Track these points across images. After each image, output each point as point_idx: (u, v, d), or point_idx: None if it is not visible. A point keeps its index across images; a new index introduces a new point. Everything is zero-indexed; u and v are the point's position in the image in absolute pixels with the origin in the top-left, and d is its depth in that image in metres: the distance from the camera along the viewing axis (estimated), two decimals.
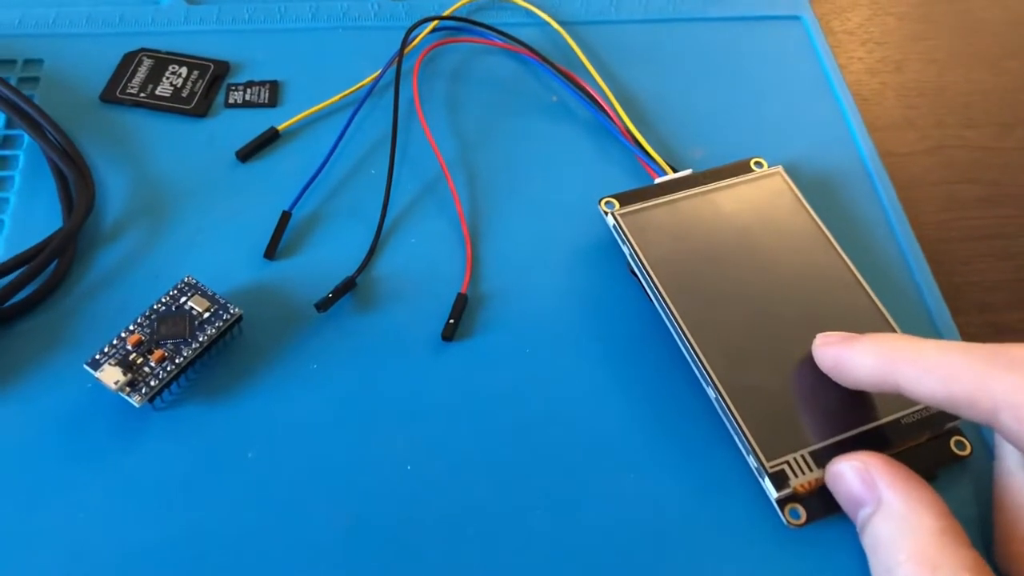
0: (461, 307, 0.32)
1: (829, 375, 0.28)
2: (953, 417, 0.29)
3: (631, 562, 0.27)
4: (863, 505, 0.26)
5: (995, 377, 0.23)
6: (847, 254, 0.32)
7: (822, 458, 0.28)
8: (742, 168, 0.35)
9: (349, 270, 0.33)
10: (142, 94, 0.37)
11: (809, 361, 0.29)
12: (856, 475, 0.26)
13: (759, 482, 0.28)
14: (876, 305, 0.31)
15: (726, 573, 0.27)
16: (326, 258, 0.33)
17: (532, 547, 0.27)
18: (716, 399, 0.29)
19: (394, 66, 0.37)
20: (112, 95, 0.37)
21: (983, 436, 0.30)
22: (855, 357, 0.27)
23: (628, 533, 0.28)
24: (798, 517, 0.27)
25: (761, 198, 0.34)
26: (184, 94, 0.38)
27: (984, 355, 0.24)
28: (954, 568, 0.23)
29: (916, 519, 0.24)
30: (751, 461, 0.28)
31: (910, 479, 0.25)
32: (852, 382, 0.27)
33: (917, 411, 0.29)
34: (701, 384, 0.30)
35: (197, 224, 0.34)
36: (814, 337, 0.30)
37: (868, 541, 0.25)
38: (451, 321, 0.32)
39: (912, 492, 0.25)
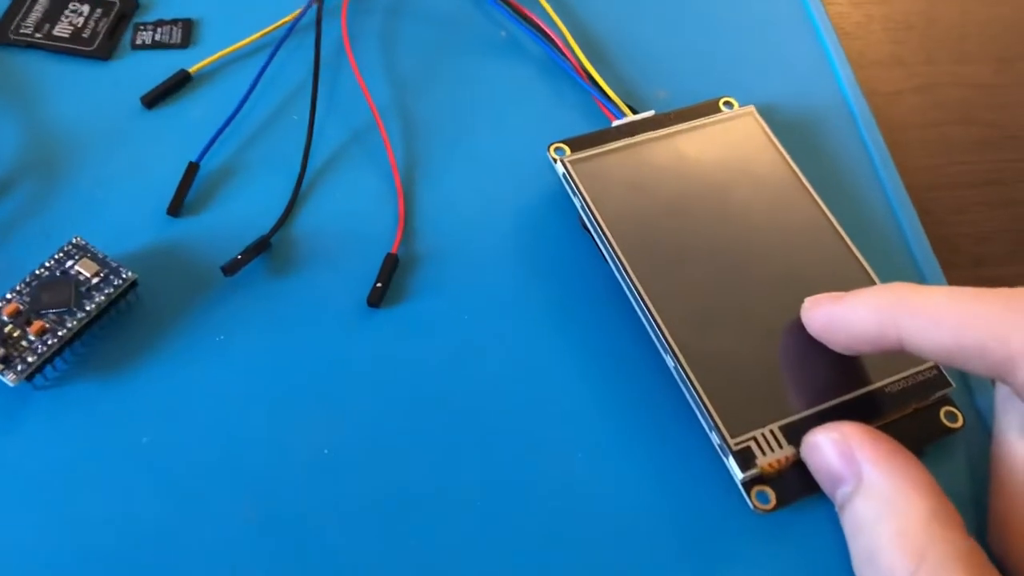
0: (390, 269, 0.28)
1: (820, 338, 0.25)
2: (944, 384, 0.26)
3: (580, 554, 0.24)
4: (842, 482, 0.23)
5: (1012, 324, 0.20)
6: (827, 204, 0.29)
7: (794, 434, 0.24)
8: (710, 108, 0.31)
9: (265, 228, 0.29)
10: (37, 34, 0.33)
11: (782, 325, 0.26)
12: (834, 448, 0.23)
13: (723, 462, 0.25)
14: (859, 260, 0.28)
15: (688, 563, 0.24)
16: (238, 216, 0.30)
17: (468, 541, 0.24)
18: (675, 368, 0.26)
19: (316, 2, 0.33)
20: (3, 35, 0.33)
21: (977, 406, 0.27)
22: (852, 312, 0.24)
23: (577, 521, 0.25)
24: (766, 501, 0.24)
25: (730, 142, 0.30)
26: (85, 34, 0.33)
27: (1000, 300, 0.21)
28: (944, 556, 0.20)
29: (902, 499, 0.21)
30: (714, 438, 0.25)
31: (896, 453, 0.22)
32: (847, 342, 0.24)
33: (902, 378, 0.26)
34: (659, 351, 0.26)
35: (95, 178, 0.30)
36: (787, 298, 0.26)
37: (848, 523, 0.22)
38: (378, 285, 0.28)
39: (898, 468, 0.22)
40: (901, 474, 0.22)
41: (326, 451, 0.25)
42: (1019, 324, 0.20)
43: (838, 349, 0.25)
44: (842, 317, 0.24)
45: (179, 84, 0.32)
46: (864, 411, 0.25)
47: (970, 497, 0.25)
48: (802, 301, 0.26)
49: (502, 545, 0.24)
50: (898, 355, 0.23)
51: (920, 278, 0.29)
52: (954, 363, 0.22)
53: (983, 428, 0.26)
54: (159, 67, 0.33)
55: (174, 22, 0.34)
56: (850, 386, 0.25)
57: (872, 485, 0.22)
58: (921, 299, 0.22)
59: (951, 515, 0.21)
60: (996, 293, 0.21)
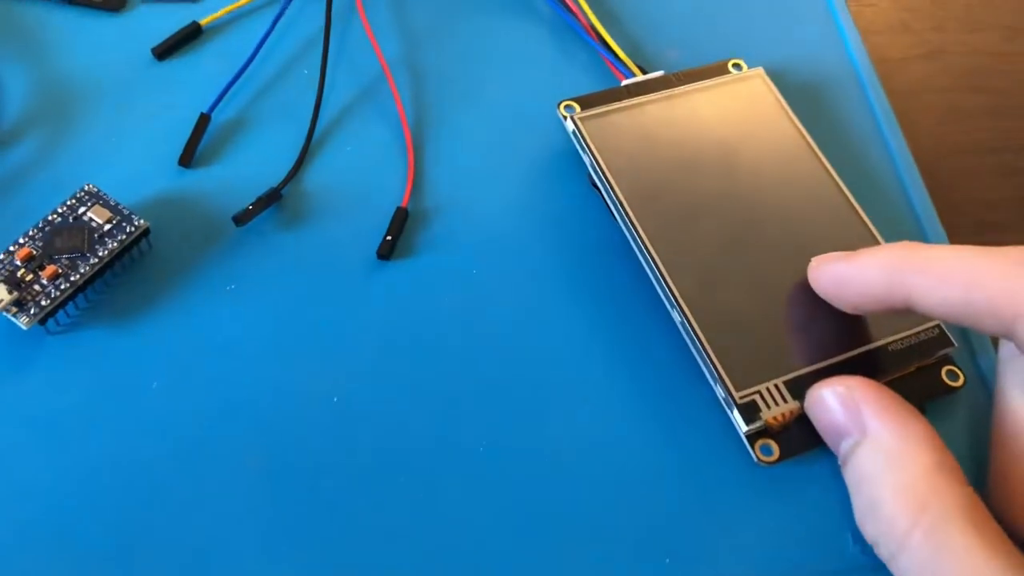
0: (401, 222, 0.29)
1: (827, 297, 0.25)
2: (946, 343, 0.26)
3: (583, 502, 0.24)
4: (846, 435, 0.23)
5: (1021, 281, 0.20)
6: (834, 167, 0.29)
7: (797, 389, 0.25)
8: (718, 70, 0.31)
9: (275, 180, 0.29)
10: None
11: (788, 283, 0.26)
12: (839, 401, 0.23)
13: (727, 415, 0.25)
14: (864, 222, 0.28)
15: (691, 515, 0.24)
16: (249, 167, 0.30)
17: (474, 490, 0.24)
18: (682, 323, 0.26)
19: None
20: None
21: (978, 365, 0.27)
22: (860, 271, 0.24)
23: (583, 471, 0.25)
24: (770, 453, 0.24)
25: (739, 103, 0.30)
26: None
27: (1009, 258, 0.21)
28: (946, 507, 0.20)
29: (906, 452, 0.22)
30: (719, 391, 0.25)
31: (900, 407, 0.22)
32: (855, 300, 0.24)
33: (905, 337, 0.26)
34: (666, 307, 0.27)
35: (106, 128, 0.30)
36: (792, 257, 0.27)
37: (851, 475, 0.23)
38: (388, 237, 0.28)
39: (902, 421, 0.22)
40: (905, 427, 0.22)
41: (335, 399, 0.26)
42: None
43: (845, 308, 0.25)
44: (850, 276, 0.24)
45: (190, 36, 0.32)
46: (867, 368, 0.25)
47: (969, 455, 0.25)
48: (807, 260, 0.26)
49: (507, 495, 0.24)
50: (904, 314, 0.23)
51: (924, 241, 0.30)
52: (962, 321, 0.22)
53: (984, 387, 0.27)
54: (169, 20, 0.33)
55: None
56: (854, 343, 0.26)
57: (876, 438, 0.22)
58: (929, 257, 0.22)
59: (953, 468, 0.21)
60: (1005, 251, 0.21)
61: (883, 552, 0.21)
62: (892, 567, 0.21)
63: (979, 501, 0.21)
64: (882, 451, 0.22)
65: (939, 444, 0.22)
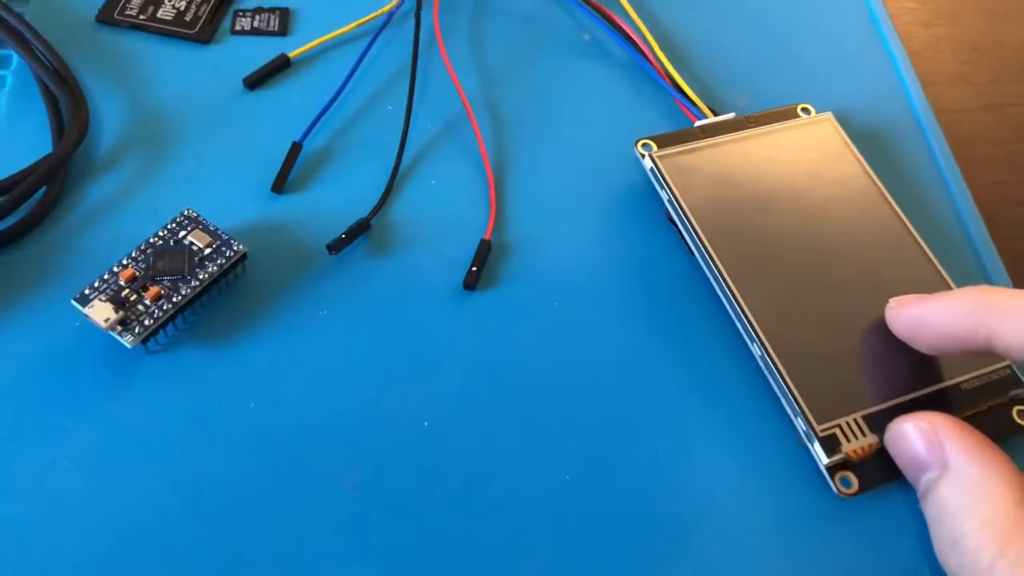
0: (485, 254, 0.30)
1: (904, 338, 0.26)
2: (1017, 384, 0.27)
3: (664, 532, 0.25)
4: (927, 469, 0.23)
5: None
6: (901, 209, 0.30)
7: (875, 423, 0.25)
8: (788, 114, 0.33)
9: (362, 210, 0.30)
10: (142, 16, 0.35)
11: (865, 319, 0.27)
12: (921, 436, 0.24)
13: (807, 447, 0.26)
14: (933, 264, 0.29)
15: (770, 545, 0.25)
16: (338, 196, 0.31)
17: (557, 514, 0.25)
18: (762, 357, 0.27)
19: None
20: (109, 16, 0.35)
21: None
22: (939, 313, 0.25)
23: (662, 501, 0.25)
24: (849, 486, 0.25)
25: (809, 145, 0.32)
26: (187, 18, 0.35)
27: None
28: None
29: (988, 486, 0.22)
30: (799, 424, 0.26)
31: (981, 442, 0.23)
32: (932, 341, 0.25)
33: (978, 376, 0.27)
34: (745, 341, 0.27)
35: (199, 155, 0.32)
36: (866, 294, 0.28)
37: (932, 509, 0.23)
38: (474, 268, 0.29)
39: (984, 456, 0.23)
40: (988, 463, 0.22)
41: (426, 423, 0.26)
42: None
43: (922, 348, 0.26)
44: (928, 318, 0.25)
45: (279, 68, 0.34)
46: (940, 406, 0.26)
47: None
48: (881, 299, 0.27)
49: (590, 523, 0.25)
50: (979, 355, 0.24)
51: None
52: None
53: None
54: (257, 53, 0.34)
55: (272, 10, 0.36)
56: (928, 381, 0.26)
57: (958, 471, 0.23)
58: (1011, 301, 0.23)
59: None
60: None
61: None
62: None
63: None
64: (965, 485, 0.22)
65: (1021, 479, 0.22)
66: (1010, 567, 0.21)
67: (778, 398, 0.27)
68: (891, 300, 0.26)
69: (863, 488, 0.25)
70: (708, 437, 0.27)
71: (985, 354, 0.24)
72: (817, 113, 0.33)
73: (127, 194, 0.30)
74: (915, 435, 0.24)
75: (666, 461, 0.26)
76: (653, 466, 0.26)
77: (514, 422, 0.27)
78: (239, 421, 0.26)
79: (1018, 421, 0.27)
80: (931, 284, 0.28)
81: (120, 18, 0.35)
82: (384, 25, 0.34)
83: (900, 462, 0.25)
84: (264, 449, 0.26)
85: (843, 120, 0.33)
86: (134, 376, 0.27)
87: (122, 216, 0.30)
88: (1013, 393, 0.27)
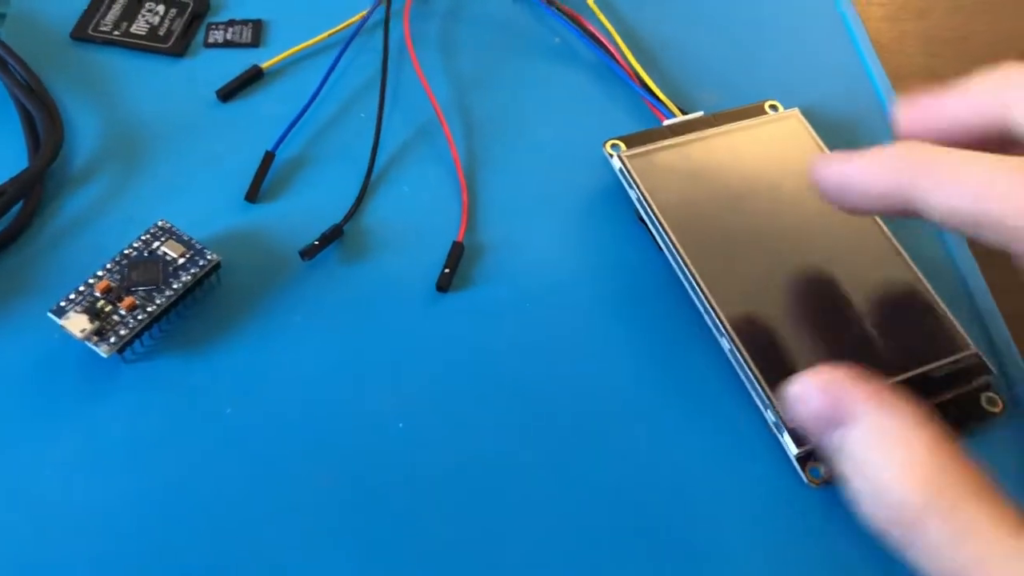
0: (457, 256, 0.30)
1: (830, 198, 0.24)
2: (984, 371, 0.27)
3: (640, 525, 0.25)
4: (836, 424, 0.21)
5: None
6: None
7: None
8: (756, 111, 0.33)
9: (336, 216, 0.31)
10: (116, 32, 0.35)
11: (832, 311, 0.27)
12: (821, 392, 0.22)
13: (777, 438, 0.26)
14: (902, 256, 0.29)
15: (742, 535, 0.25)
16: (311, 203, 0.31)
17: (533, 511, 0.25)
18: (731, 350, 0.27)
19: (383, 4, 0.35)
20: (83, 32, 0.35)
21: (1016, 392, 0.28)
22: (865, 170, 0.23)
23: (637, 495, 0.26)
24: (819, 475, 0.26)
25: (777, 141, 0.32)
26: (161, 32, 0.35)
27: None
28: (958, 486, 0.20)
29: (903, 432, 0.20)
30: (769, 416, 0.26)
31: (883, 389, 0.21)
32: (858, 201, 0.23)
33: (946, 363, 0.27)
34: (714, 335, 0.28)
35: (174, 167, 0.32)
36: (835, 287, 0.28)
37: (849, 463, 0.21)
38: (447, 270, 0.29)
39: (891, 402, 0.21)
40: (895, 408, 0.21)
41: (401, 425, 0.27)
42: None
43: (847, 210, 0.24)
44: (856, 175, 0.23)
45: (252, 79, 0.34)
46: (908, 394, 0.26)
47: (1011, 479, 0.26)
48: (850, 291, 0.27)
49: (566, 517, 0.25)
50: (906, 216, 0.22)
51: (959, 278, 0.31)
52: (964, 229, 0.21)
53: (1020, 414, 0.28)
54: (230, 65, 0.35)
55: (244, 22, 0.36)
56: (895, 370, 0.27)
57: (868, 420, 0.21)
58: (940, 160, 0.21)
59: (951, 442, 0.20)
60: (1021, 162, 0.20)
61: (898, 538, 0.20)
62: (908, 553, 0.20)
63: (985, 474, 0.20)
64: (879, 432, 0.21)
65: (932, 420, 0.21)
66: (942, 519, 0.19)
67: (748, 391, 0.27)
68: (816, 157, 0.25)
69: (833, 477, 0.26)
70: (681, 431, 0.27)
71: (908, 215, 0.22)
72: (784, 109, 0.33)
73: (103, 207, 0.31)
74: (814, 392, 0.22)
75: (640, 456, 0.27)
76: (627, 461, 0.26)
77: (488, 421, 0.27)
78: (216, 427, 0.26)
79: (987, 408, 0.27)
80: (900, 277, 0.29)
81: (94, 34, 0.35)
82: (355, 34, 0.35)
83: (807, 425, 0.22)
84: (241, 454, 0.26)
85: (812, 116, 0.34)
86: (112, 385, 0.27)
87: (98, 228, 0.30)
88: (981, 380, 0.27)
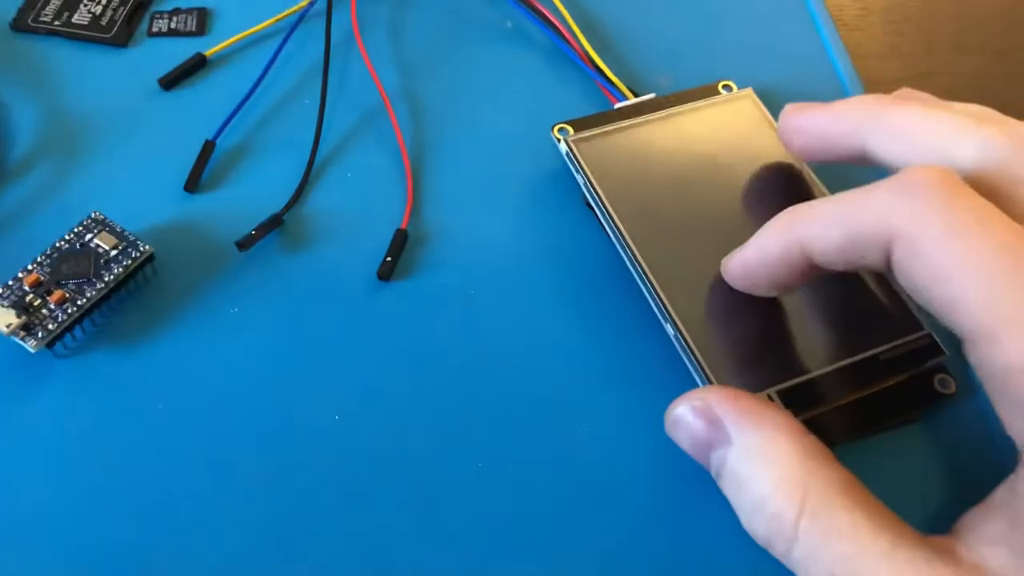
0: (400, 243, 0.29)
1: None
2: (937, 352, 0.26)
3: (585, 520, 0.25)
4: (713, 447, 0.23)
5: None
6: (822, 181, 0.30)
7: (790, 398, 0.25)
8: (709, 91, 0.32)
9: (278, 206, 0.30)
10: (56, 22, 0.34)
11: (776, 293, 0.27)
12: (698, 416, 0.23)
13: None
14: None
15: (691, 533, 0.25)
16: (253, 193, 0.30)
17: (473, 506, 0.25)
18: (675, 336, 0.26)
19: None
20: (24, 23, 0.34)
21: (969, 373, 0.27)
22: (760, 248, 0.25)
23: (582, 488, 0.25)
24: None
25: (730, 122, 0.31)
26: (103, 22, 0.34)
27: (884, 187, 0.22)
28: (824, 490, 0.21)
29: (772, 447, 0.22)
30: None
31: (756, 404, 0.22)
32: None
33: (897, 346, 0.26)
34: (660, 321, 0.27)
35: (114, 158, 0.31)
36: None
37: (729, 484, 0.22)
38: (388, 259, 0.29)
39: (763, 420, 0.22)
40: (766, 426, 0.22)
41: (336, 417, 0.26)
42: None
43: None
44: (752, 260, 0.25)
45: (195, 67, 0.33)
46: (859, 377, 0.26)
47: (962, 460, 0.26)
48: None
49: (505, 510, 0.25)
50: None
51: None
52: (850, 261, 0.23)
53: (975, 395, 0.27)
54: (175, 54, 0.34)
55: (189, 11, 0.35)
56: (844, 354, 0.26)
57: (742, 442, 0.22)
58: (812, 205, 0.24)
59: (821, 451, 0.21)
60: (878, 184, 0.22)
61: (778, 549, 0.21)
62: (789, 564, 0.21)
63: (855, 480, 0.21)
64: (751, 451, 0.22)
65: (803, 430, 0.22)
66: (810, 522, 0.20)
67: (693, 377, 0.26)
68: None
69: None
70: (627, 418, 0.26)
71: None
72: (739, 89, 0.32)
73: (39, 200, 0.30)
74: (691, 417, 0.23)
75: (585, 444, 0.26)
76: (571, 449, 0.26)
77: (428, 411, 0.26)
78: (148, 423, 0.26)
79: (940, 390, 0.26)
80: None
81: (35, 25, 0.34)
82: (299, 21, 0.34)
83: (686, 448, 0.24)
84: (174, 450, 0.25)
85: (770, 96, 0.33)
86: (42, 381, 0.26)
87: (33, 222, 0.30)
88: (934, 361, 0.26)
